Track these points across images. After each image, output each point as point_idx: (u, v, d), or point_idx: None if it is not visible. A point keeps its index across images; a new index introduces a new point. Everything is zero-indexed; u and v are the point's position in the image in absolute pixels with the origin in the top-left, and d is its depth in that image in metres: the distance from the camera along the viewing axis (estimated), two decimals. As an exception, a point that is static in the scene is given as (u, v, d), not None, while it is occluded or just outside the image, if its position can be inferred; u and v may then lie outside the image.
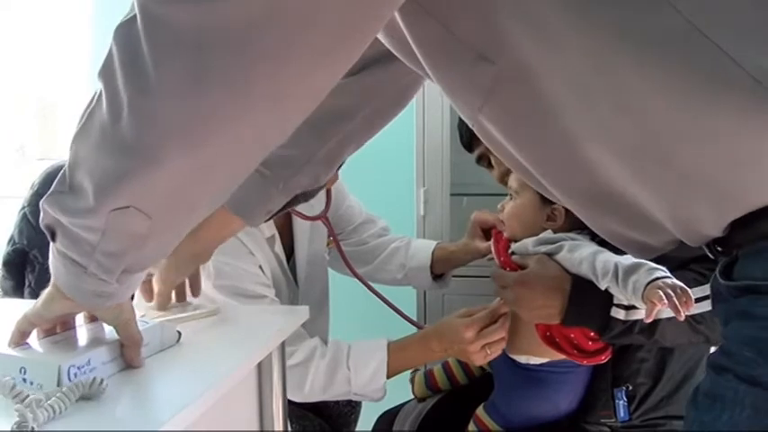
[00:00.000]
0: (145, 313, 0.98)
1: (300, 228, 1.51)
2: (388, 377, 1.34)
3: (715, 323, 1.06)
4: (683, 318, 0.97)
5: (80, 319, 0.86)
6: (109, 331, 0.83)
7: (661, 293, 0.96)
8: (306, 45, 0.57)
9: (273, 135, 0.66)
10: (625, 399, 1.26)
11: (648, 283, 1.00)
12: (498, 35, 0.62)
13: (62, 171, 0.71)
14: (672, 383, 1.27)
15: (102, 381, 0.71)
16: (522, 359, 1.28)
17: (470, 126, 0.78)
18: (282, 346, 1.05)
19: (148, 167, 0.62)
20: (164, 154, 0.61)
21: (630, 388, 1.26)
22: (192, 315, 0.99)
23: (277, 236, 1.44)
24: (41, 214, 0.73)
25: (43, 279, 1.58)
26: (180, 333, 0.93)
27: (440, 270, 1.62)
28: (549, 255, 1.17)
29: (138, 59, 0.59)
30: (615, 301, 1.09)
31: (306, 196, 1.12)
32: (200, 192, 0.69)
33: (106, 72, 0.63)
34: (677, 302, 0.95)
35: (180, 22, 0.56)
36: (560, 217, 1.22)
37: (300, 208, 1.45)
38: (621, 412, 1.26)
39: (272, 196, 1.06)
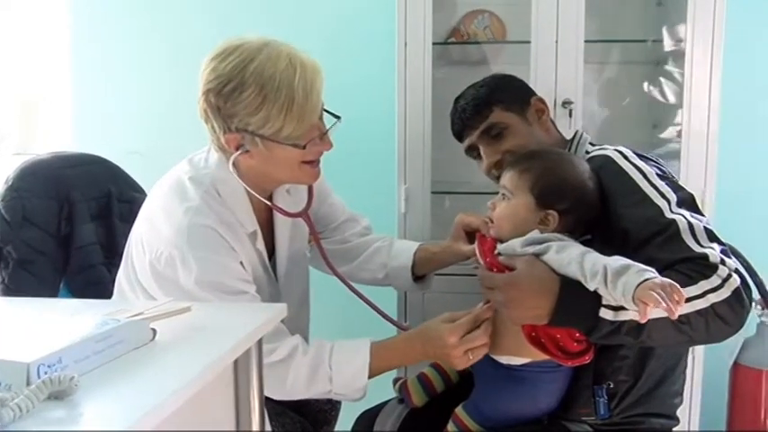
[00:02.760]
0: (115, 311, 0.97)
1: (282, 225, 1.50)
2: (370, 377, 1.33)
3: (699, 323, 1.07)
4: (675, 317, 0.98)
5: (59, 312, 0.84)
6: (83, 328, 0.82)
7: (655, 295, 0.97)
8: None
9: None
10: (605, 396, 1.26)
11: (639, 285, 1.00)
12: None
13: None
14: (652, 381, 1.28)
15: (72, 378, 0.69)
16: (504, 359, 1.27)
17: None
18: (260, 343, 1.04)
19: None
20: None
21: (611, 385, 1.27)
22: (167, 312, 0.98)
23: (259, 232, 1.42)
24: None
25: (17, 275, 1.55)
26: (155, 331, 0.91)
27: (421, 271, 1.61)
28: (537, 255, 1.17)
29: None
30: (603, 302, 1.09)
31: None
32: None
33: None
34: (670, 304, 0.96)
35: None
36: (554, 222, 1.22)
37: (282, 204, 1.45)
38: (602, 409, 1.27)
39: None
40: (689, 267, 1.09)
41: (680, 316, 1.01)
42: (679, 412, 1.36)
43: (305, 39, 2.07)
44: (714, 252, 1.10)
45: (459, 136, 1.50)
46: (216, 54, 1.29)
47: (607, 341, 1.14)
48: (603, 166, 1.28)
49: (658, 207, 1.17)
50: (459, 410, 1.32)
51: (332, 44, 2.23)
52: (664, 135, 2.02)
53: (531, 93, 1.50)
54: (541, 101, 1.48)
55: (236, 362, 1.01)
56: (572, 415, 1.29)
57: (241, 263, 1.34)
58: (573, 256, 1.12)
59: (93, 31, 2.36)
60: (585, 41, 1.80)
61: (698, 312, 1.07)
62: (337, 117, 1.38)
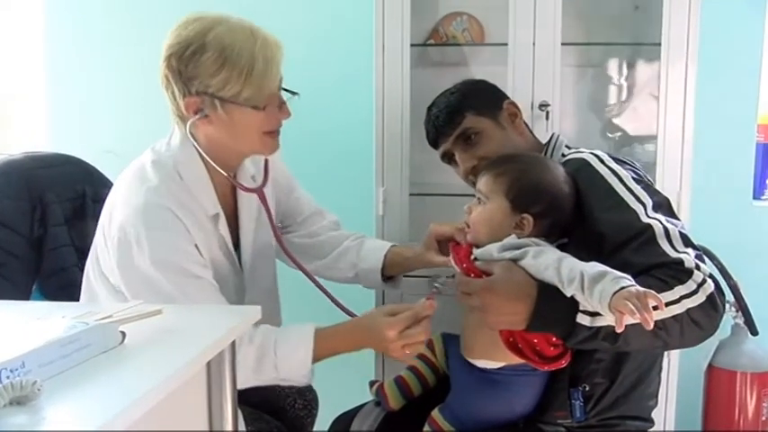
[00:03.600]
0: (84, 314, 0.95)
1: (246, 212, 1.48)
2: (315, 362, 1.33)
3: (674, 329, 1.07)
4: (650, 327, 0.98)
5: (31, 314, 0.82)
6: (49, 331, 0.80)
7: (631, 306, 0.97)
8: None
9: None
10: (581, 399, 1.27)
11: (615, 293, 1.00)
12: None
13: None
14: (627, 383, 1.29)
15: (35, 383, 0.68)
16: (480, 363, 1.27)
17: None
18: (233, 345, 1.02)
19: None
20: None
21: (587, 388, 1.27)
22: (137, 315, 0.96)
23: (222, 215, 1.40)
24: None
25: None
26: (124, 334, 0.90)
27: (391, 273, 1.61)
28: (514, 260, 1.17)
29: None
30: (581, 308, 1.09)
31: None
32: None
33: None
34: (645, 314, 0.96)
35: None
36: (528, 226, 1.22)
37: (242, 180, 1.45)
38: (578, 412, 1.27)
39: None
40: (664, 272, 1.10)
41: (656, 321, 1.01)
42: (655, 414, 1.37)
43: (283, 42, 2.07)
44: (689, 257, 1.11)
45: (434, 143, 1.50)
46: (178, 24, 1.33)
47: (584, 346, 1.14)
48: (580, 170, 1.28)
49: (634, 211, 1.18)
50: (435, 413, 1.32)
51: (310, 46, 2.22)
52: (639, 136, 2.03)
53: (503, 97, 1.50)
54: (514, 104, 1.48)
55: (208, 364, 1.00)
56: (548, 418, 1.29)
57: (197, 247, 1.32)
58: (550, 261, 1.12)
59: (68, 29, 2.33)
60: (562, 44, 1.81)
61: (674, 318, 1.07)
62: (295, 93, 1.40)
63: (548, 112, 1.79)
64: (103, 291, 1.36)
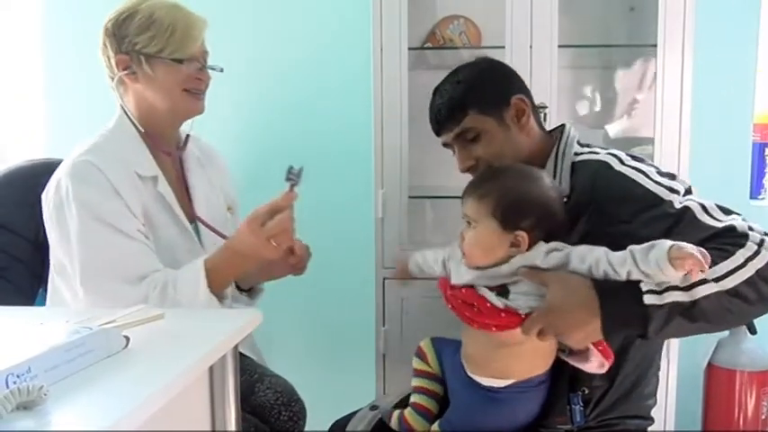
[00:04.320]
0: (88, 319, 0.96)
1: (197, 184, 1.57)
2: (218, 291, 1.34)
3: (749, 292, 1.06)
4: (706, 268, 1.02)
5: (35, 319, 0.83)
6: (54, 336, 0.81)
7: (688, 248, 1.01)
8: None
9: None
10: (581, 403, 1.26)
11: (668, 250, 1.03)
12: None
13: None
14: (626, 384, 1.29)
15: (41, 388, 0.68)
16: (486, 381, 1.25)
17: None
18: (235, 349, 1.03)
19: None
20: None
21: (586, 391, 1.27)
22: (140, 319, 0.97)
23: (161, 177, 1.47)
24: None
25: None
26: (128, 338, 0.90)
27: (245, 284, 1.63)
28: (561, 266, 1.16)
29: None
30: (644, 288, 1.08)
31: None
32: None
33: None
34: (701, 258, 1.00)
35: None
36: (524, 242, 1.19)
37: (191, 174, 1.58)
38: (577, 417, 1.26)
39: None
40: (720, 242, 1.09)
41: (729, 290, 1.04)
42: (654, 413, 1.37)
43: (281, 46, 2.08)
44: (738, 222, 1.11)
45: (436, 133, 1.44)
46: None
47: (667, 331, 1.10)
48: (598, 172, 1.25)
49: (669, 202, 1.16)
50: (434, 428, 1.31)
51: (309, 50, 2.23)
52: (637, 137, 2.04)
53: (512, 91, 1.38)
54: (523, 100, 1.37)
55: (211, 368, 1.00)
56: (548, 423, 1.27)
57: (128, 206, 1.37)
58: (599, 254, 1.13)
59: (66, 36, 2.33)
60: (559, 46, 1.82)
61: (746, 282, 1.06)
62: (220, 69, 1.53)
63: (545, 114, 1.80)
64: (60, 284, 1.42)
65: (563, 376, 1.24)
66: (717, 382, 2.04)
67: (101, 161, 1.37)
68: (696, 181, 1.87)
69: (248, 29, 1.90)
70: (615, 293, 1.10)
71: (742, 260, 1.07)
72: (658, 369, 1.37)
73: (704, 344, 2.07)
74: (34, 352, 0.76)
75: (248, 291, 1.65)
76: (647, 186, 1.19)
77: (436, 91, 1.43)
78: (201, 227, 1.53)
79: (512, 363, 1.21)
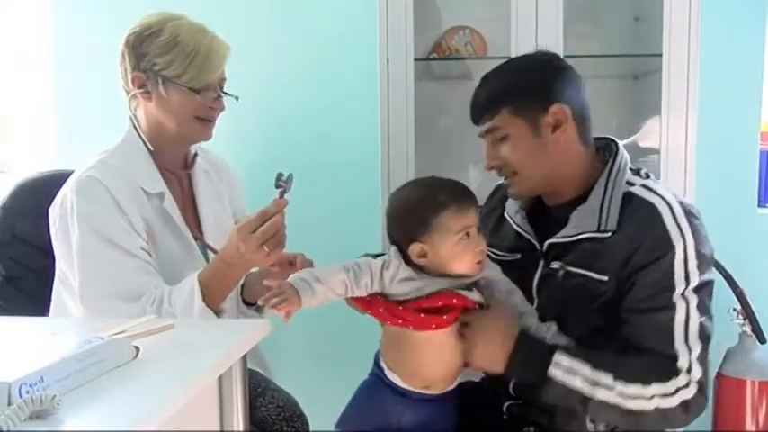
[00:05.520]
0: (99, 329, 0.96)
1: (205, 200, 1.57)
2: (214, 304, 1.34)
3: (641, 420, 1.12)
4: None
5: (44, 330, 0.84)
6: (66, 346, 0.82)
7: None
8: None
9: None
10: None
11: None
12: None
13: None
14: None
15: (54, 397, 0.69)
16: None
17: None
18: (244, 359, 1.04)
19: None
20: None
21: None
22: (150, 330, 0.98)
23: (168, 194, 1.47)
24: None
25: (5, 291, 1.58)
26: (138, 348, 0.91)
27: (250, 297, 1.63)
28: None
29: None
30: (553, 360, 1.14)
31: None
32: None
33: None
34: None
35: None
36: (420, 250, 1.17)
37: (201, 188, 1.58)
38: None
39: None
40: (653, 363, 1.13)
41: (623, 409, 1.10)
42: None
43: (288, 56, 2.09)
44: (687, 357, 1.13)
45: (473, 121, 1.33)
46: (145, 15, 1.48)
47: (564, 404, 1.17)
48: (651, 218, 1.18)
49: (673, 287, 1.15)
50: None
51: (316, 61, 2.24)
52: (643, 146, 2.04)
53: (554, 97, 1.24)
54: (564, 110, 1.24)
55: (220, 378, 1.01)
56: None
57: (131, 223, 1.38)
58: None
59: (77, 47, 2.34)
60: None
61: (642, 410, 1.11)
62: (235, 97, 1.53)
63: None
64: (64, 295, 1.43)
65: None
66: (726, 392, 2.03)
67: (106, 178, 1.39)
68: (703, 190, 1.89)
69: (254, 40, 1.91)
70: (530, 350, 1.16)
71: (650, 394, 1.11)
72: None
73: (713, 354, 2.06)
74: (46, 362, 0.77)
75: (255, 305, 1.65)
76: (673, 262, 1.15)
77: (485, 77, 1.32)
78: (207, 238, 1.54)
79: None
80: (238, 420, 1.04)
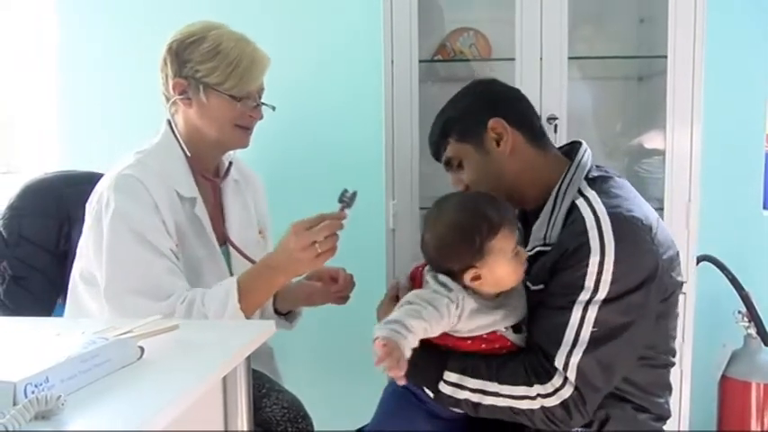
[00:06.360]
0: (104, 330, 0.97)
1: (232, 207, 1.58)
2: (248, 310, 1.33)
3: (532, 416, 1.16)
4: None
5: (52, 330, 0.84)
6: (71, 347, 0.82)
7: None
8: None
9: None
10: None
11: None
12: None
13: None
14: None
15: (59, 397, 0.69)
16: None
17: None
18: (248, 360, 1.04)
19: None
20: None
21: None
22: (155, 330, 0.98)
23: (200, 200, 1.48)
24: None
25: (12, 291, 1.58)
26: (142, 349, 0.91)
27: (283, 307, 1.65)
28: None
29: None
30: (444, 377, 1.19)
31: None
32: None
33: None
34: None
35: None
36: (474, 274, 1.19)
37: (230, 196, 1.60)
38: None
39: None
40: (535, 363, 1.17)
41: (513, 408, 1.16)
42: (668, 426, 1.36)
43: (292, 59, 2.10)
44: (563, 359, 1.15)
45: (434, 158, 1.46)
46: (188, 23, 1.49)
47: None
48: (576, 230, 1.18)
49: (578, 294, 1.15)
50: None
51: (321, 63, 2.25)
52: (649, 148, 2.04)
53: (488, 113, 1.32)
54: (500, 122, 1.30)
55: (224, 379, 1.01)
56: None
57: (164, 223, 1.38)
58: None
59: (80, 46, 2.35)
60: (569, 58, 1.83)
61: (531, 409, 1.16)
62: (273, 107, 1.55)
63: (556, 126, 1.80)
64: (85, 294, 1.43)
65: None
66: (731, 395, 2.03)
67: (145, 177, 1.39)
68: (708, 192, 1.89)
69: (259, 42, 1.89)
70: (425, 362, 1.19)
71: (534, 394, 1.15)
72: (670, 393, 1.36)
73: (718, 356, 2.06)
74: (52, 362, 0.77)
75: (286, 314, 1.67)
76: (588, 272, 1.14)
77: (436, 117, 1.43)
78: (232, 251, 1.54)
79: None
80: (243, 421, 1.04)
